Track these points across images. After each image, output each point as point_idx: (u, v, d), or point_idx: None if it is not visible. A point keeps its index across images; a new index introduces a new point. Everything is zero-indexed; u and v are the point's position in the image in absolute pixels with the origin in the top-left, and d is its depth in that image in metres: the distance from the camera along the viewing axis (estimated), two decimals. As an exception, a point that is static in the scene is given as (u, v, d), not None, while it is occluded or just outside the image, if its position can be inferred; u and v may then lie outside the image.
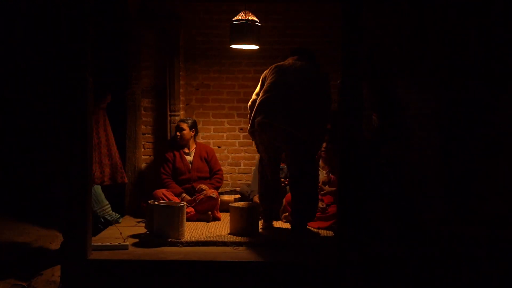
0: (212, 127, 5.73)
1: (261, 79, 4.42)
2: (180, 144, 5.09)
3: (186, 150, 5.13)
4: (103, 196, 4.71)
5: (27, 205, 5.25)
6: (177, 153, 5.09)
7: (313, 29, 5.64)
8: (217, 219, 4.76)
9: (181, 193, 4.85)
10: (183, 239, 3.96)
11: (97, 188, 4.66)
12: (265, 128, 4.09)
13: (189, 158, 5.08)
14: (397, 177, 4.43)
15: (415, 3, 5.36)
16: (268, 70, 4.37)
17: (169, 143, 5.28)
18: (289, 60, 4.36)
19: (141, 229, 4.34)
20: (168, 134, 5.41)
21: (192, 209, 4.70)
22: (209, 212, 4.72)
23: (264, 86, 4.25)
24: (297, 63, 4.26)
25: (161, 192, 4.69)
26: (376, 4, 5.33)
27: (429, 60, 5.38)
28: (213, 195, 4.71)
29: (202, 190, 4.83)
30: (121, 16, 5.22)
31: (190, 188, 4.92)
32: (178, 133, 5.05)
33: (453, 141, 5.20)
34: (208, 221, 4.68)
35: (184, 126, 5.07)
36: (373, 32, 5.34)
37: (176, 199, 4.70)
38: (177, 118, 5.38)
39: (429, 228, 4.46)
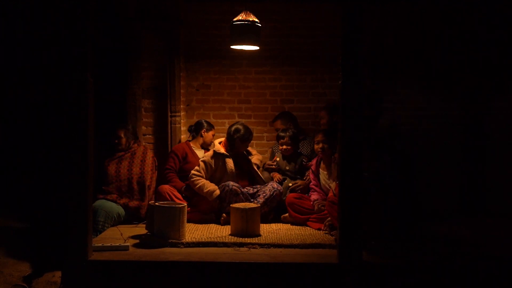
0: (212, 128, 5.73)
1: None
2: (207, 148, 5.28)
3: (195, 147, 5.20)
4: (114, 213, 4.64)
5: (27, 204, 5.24)
6: (187, 149, 5.12)
7: (313, 29, 5.64)
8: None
9: (183, 187, 4.83)
10: (183, 240, 3.96)
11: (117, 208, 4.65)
12: None
13: (200, 154, 5.12)
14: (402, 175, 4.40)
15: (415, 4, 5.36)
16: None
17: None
18: None
19: (141, 230, 4.34)
20: (169, 135, 5.40)
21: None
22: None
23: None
24: None
25: (167, 187, 4.72)
26: (376, 4, 5.32)
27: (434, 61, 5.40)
28: None
29: None
30: (121, 16, 5.22)
31: None
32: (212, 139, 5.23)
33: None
34: (209, 222, 4.67)
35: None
36: (373, 33, 5.35)
37: (179, 196, 4.73)
38: (177, 118, 5.39)
39: (428, 227, 4.46)
